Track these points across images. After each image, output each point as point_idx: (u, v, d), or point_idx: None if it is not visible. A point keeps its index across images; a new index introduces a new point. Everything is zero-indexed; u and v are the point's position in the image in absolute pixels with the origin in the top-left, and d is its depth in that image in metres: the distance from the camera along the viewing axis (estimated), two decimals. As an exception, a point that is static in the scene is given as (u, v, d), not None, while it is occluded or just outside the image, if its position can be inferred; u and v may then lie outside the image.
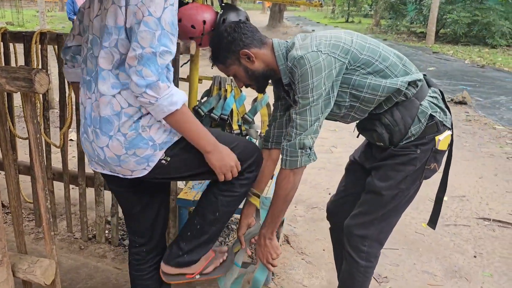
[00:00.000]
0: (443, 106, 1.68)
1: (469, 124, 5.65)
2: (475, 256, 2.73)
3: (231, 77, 1.98)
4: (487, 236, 2.98)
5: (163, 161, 1.43)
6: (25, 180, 3.05)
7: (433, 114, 1.62)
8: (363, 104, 1.60)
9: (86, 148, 1.44)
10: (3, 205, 2.93)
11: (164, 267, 1.68)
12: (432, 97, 1.66)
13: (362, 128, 1.76)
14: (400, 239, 2.88)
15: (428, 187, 3.67)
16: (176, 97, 1.28)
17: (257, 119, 2.41)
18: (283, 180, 1.61)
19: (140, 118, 1.36)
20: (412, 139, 1.63)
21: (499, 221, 3.17)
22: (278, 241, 2.65)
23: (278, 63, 1.62)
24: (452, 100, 6.75)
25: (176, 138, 1.43)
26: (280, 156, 1.62)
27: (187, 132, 1.37)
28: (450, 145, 1.71)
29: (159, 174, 1.47)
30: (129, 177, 1.45)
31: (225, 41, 1.58)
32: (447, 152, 1.75)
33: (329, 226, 2.07)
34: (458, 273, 2.55)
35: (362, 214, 1.76)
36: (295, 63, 1.53)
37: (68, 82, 2.45)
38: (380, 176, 1.70)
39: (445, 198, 3.48)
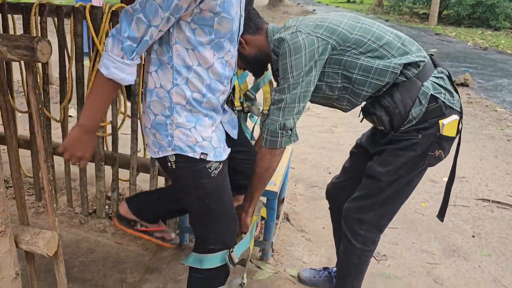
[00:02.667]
0: (449, 87, 1.59)
1: (470, 106, 5.62)
2: (473, 236, 2.75)
3: None
4: (486, 216, 2.99)
5: (169, 163, 1.43)
6: (24, 155, 3.04)
7: (436, 95, 1.54)
8: (355, 87, 1.56)
9: None
10: (3, 181, 2.92)
11: (122, 208, 1.80)
12: (437, 77, 1.57)
13: (364, 112, 1.71)
14: (399, 218, 2.89)
15: (429, 168, 3.69)
16: (114, 70, 1.23)
17: (259, 96, 2.38)
18: (260, 159, 1.60)
19: (173, 112, 1.36)
20: (414, 122, 1.56)
21: (498, 202, 3.18)
22: (278, 219, 2.67)
23: (269, 48, 1.61)
24: (454, 82, 6.71)
25: (190, 154, 1.39)
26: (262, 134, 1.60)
27: (91, 95, 1.32)
28: (459, 132, 1.62)
29: (165, 170, 1.49)
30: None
31: None
32: (456, 144, 1.67)
33: (329, 206, 2.07)
34: (456, 252, 2.57)
35: (360, 198, 1.74)
36: (276, 44, 1.52)
37: (68, 55, 2.41)
38: (380, 161, 1.66)
39: (444, 179, 3.49)
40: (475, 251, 2.59)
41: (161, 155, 1.43)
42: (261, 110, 2.49)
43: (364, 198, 1.73)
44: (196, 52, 1.30)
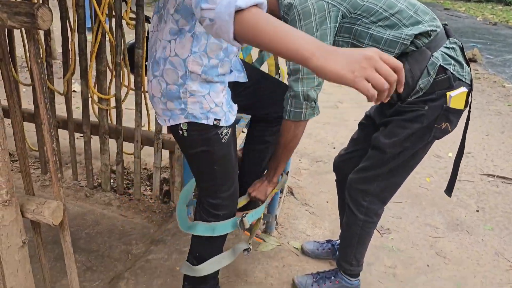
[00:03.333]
0: (461, 59, 1.53)
1: (477, 81, 5.55)
2: (477, 211, 2.75)
3: None
4: (490, 191, 2.99)
5: (180, 131, 1.42)
6: (29, 130, 3.05)
7: (445, 66, 1.49)
8: None
9: None
10: (9, 154, 2.94)
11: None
12: (448, 48, 1.52)
13: None
14: (403, 193, 2.89)
15: (434, 143, 3.67)
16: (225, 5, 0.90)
17: (264, 68, 2.35)
18: (285, 130, 1.58)
19: (187, 80, 1.34)
20: (421, 93, 1.52)
21: (503, 178, 3.17)
22: (282, 192, 2.68)
23: (280, 13, 1.55)
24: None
25: (204, 121, 1.39)
26: (284, 107, 1.57)
27: (265, 42, 0.87)
28: (468, 105, 1.57)
29: (175, 137, 1.49)
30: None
31: None
32: (466, 119, 1.63)
33: (335, 178, 2.07)
34: (460, 226, 2.58)
35: (365, 169, 1.73)
36: (285, 10, 1.47)
37: (70, 27, 2.39)
38: (385, 133, 1.64)
39: (450, 154, 3.49)
40: (478, 225, 2.60)
41: (172, 123, 1.42)
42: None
43: (368, 169, 1.72)
44: None
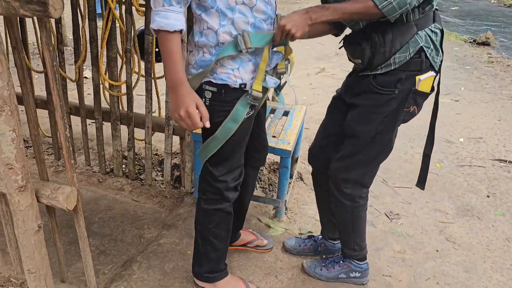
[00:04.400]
0: (438, 45, 1.54)
1: (491, 65, 5.46)
2: (488, 196, 2.74)
3: None
4: (502, 177, 2.97)
5: (203, 99, 1.47)
6: (42, 116, 3.09)
7: (425, 48, 1.50)
8: None
9: None
10: (23, 140, 3.00)
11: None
12: (432, 31, 1.52)
13: (349, 40, 1.62)
14: (413, 178, 2.89)
15: (445, 128, 3.65)
16: (158, 19, 1.30)
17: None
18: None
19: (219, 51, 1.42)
20: (392, 68, 1.52)
21: (515, 163, 3.15)
22: (292, 178, 2.69)
23: None
24: (474, 41, 6.50)
25: (230, 83, 1.44)
26: None
27: (162, 59, 1.37)
28: (435, 92, 1.62)
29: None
30: None
31: None
32: (433, 105, 1.67)
33: (311, 170, 2.03)
34: (470, 212, 2.58)
35: (343, 158, 1.74)
36: None
37: (81, 14, 2.40)
38: (358, 119, 1.66)
39: (461, 140, 3.47)
40: (489, 211, 2.59)
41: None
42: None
43: (347, 157, 1.73)
44: None
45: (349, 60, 1.69)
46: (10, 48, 2.65)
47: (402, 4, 1.38)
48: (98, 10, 2.45)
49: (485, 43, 6.40)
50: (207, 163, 1.61)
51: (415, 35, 1.49)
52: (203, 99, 1.47)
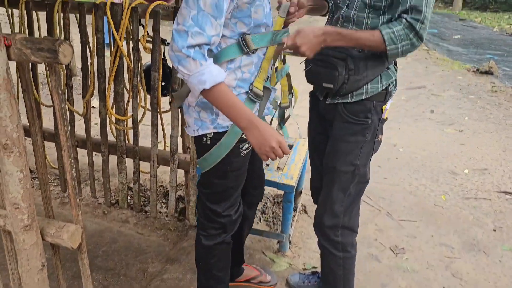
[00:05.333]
0: (395, 79, 1.64)
1: (494, 95, 5.49)
2: (494, 230, 2.71)
3: None
4: (508, 210, 2.95)
5: (204, 138, 1.50)
6: (50, 147, 3.13)
7: (390, 83, 1.59)
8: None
9: None
10: (30, 171, 3.03)
11: None
12: (395, 68, 1.63)
13: (324, 60, 1.57)
14: (418, 211, 2.88)
15: (449, 159, 3.65)
16: (206, 77, 1.27)
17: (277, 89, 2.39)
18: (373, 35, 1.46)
19: None
20: (363, 97, 1.55)
21: (521, 195, 3.13)
22: (296, 211, 2.69)
23: None
24: (478, 70, 6.55)
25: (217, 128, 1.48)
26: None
27: (220, 109, 1.36)
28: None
29: (198, 146, 1.57)
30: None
31: None
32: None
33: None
34: (476, 247, 2.55)
35: (325, 201, 1.70)
36: None
37: (90, 50, 2.47)
38: (333, 152, 1.65)
39: (466, 171, 3.46)
40: (496, 246, 2.56)
41: (200, 133, 1.50)
42: (278, 103, 2.50)
43: (327, 200, 1.69)
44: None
45: (315, 84, 1.69)
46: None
47: (405, 52, 1.45)
48: (106, 40, 2.51)
49: (488, 72, 6.44)
50: (206, 201, 1.62)
51: (387, 70, 1.58)
52: (204, 139, 1.50)
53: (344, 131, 1.62)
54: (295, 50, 1.47)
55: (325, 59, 1.57)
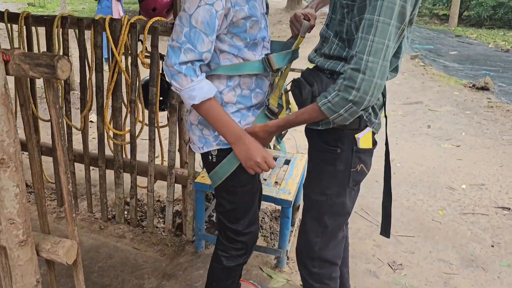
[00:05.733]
0: (378, 110, 1.48)
1: (490, 110, 5.52)
2: (492, 246, 2.70)
3: None
4: (506, 225, 2.94)
5: (210, 157, 1.52)
6: (47, 161, 3.13)
7: (364, 111, 1.41)
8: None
9: None
10: (26, 185, 3.02)
11: None
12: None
13: (298, 84, 1.50)
14: (416, 227, 2.87)
15: (446, 174, 3.65)
16: (196, 92, 1.33)
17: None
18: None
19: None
20: (331, 126, 1.45)
21: (519, 211, 3.13)
22: (293, 226, 2.68)
23: None
24: (474, 85, 6.60)
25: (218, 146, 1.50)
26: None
27: (210, 123, 1.42)
28: (375, 143, 1.53)
29: (205, 163, 1.58)
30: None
31: None
32: (385, 161, 1.58)
33: None
34: (474, 262, 2.54)
35: (303, 231, 1.65)
36: None
37: (88, 65, 2.48)
38: (309, 178, 1.61)
39: (463, 186, 3.46)
40: (494, 261, 2.55)
41: (205, 150, 1.52)
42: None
43: (305, 229, 1.64)
44: (239, 55, 1.43)
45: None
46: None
47: (354, 113, 1.31)
48: (105, 55, 2.54)
49: (484, 88, 6.49)
50: (225, 221, 1.61)
51: None
52: (210, 157, 1.51)
53: (316, 158, 1.56)
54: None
55: (300, 82, 1.52)
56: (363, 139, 1.48)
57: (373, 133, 1.51)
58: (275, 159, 2.61)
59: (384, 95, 1.51)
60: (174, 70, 1.32)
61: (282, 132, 2.86)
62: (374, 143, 1.53)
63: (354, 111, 1.29)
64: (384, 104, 1.52)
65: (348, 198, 1.56)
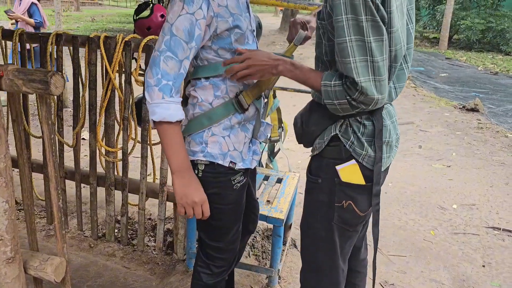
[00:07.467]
0: (364, 140, 1.33)
1: (480, 131, 5.59)
2: (483, 266, 2.71)
3: None
4: (497, 245, 2.95)
5: (196, 171, 1.46)
6: (37, 178, 3.10)
7: (342, 138, 1.34)
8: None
9: None
10: (16, 202, 2.98)
11: None
12: (360, 122, 1.35)
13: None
14: (407, 246, 2.87)
15: (438, 194, 3.67)
16: (159, 110, 1.29)
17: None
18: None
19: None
20: (315, 153, 1.42)
21: (509, 231, 3.14)
22: (285, 245, 2.66)
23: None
24: (464, 107, 6.70)
25: (220, 161, 1.45)
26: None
27: (163, 146, 1.37)
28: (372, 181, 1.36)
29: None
30: None
31: None
32: (372, 214, 1.42)
33: None
34: (466, 282, 2.53)
35: (302, 258, 1.59)
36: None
37: (82, 82, 2.49)
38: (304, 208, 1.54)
39: (454, 206, 3.48)
40: (485, 281, 2.55)
41: (191, 158, 1.47)
42: (268, 137, 2.53)
43: (302, 261, 1.58)
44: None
45: None
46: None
47: (346, 111, 1.27)
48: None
49: (474, 109, 6.59)
50: (207, 240, 1.60)
51: (335, 123, 1.36)
52: (196, 171, 1.46)
53: (306, 187, 1.51)
54: (241, 68, 1.35)
55: (295, 118, 1.49)
56: (346, 171, 1.35)
57: (367, 168, 1.34)
58: (267, 177, 2.62)
59: (380, 124, 1.35)
60: (151, 81, 1.30)
61: (275, 151, 2.89)
62: (369, 180, 1.35)
63: (347, 109, 1.25)
64: (378, 135, 1.34)
65: (339, 236, 1.43)
